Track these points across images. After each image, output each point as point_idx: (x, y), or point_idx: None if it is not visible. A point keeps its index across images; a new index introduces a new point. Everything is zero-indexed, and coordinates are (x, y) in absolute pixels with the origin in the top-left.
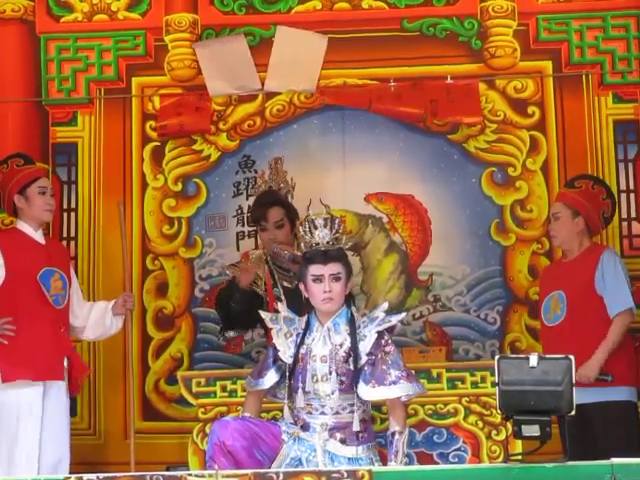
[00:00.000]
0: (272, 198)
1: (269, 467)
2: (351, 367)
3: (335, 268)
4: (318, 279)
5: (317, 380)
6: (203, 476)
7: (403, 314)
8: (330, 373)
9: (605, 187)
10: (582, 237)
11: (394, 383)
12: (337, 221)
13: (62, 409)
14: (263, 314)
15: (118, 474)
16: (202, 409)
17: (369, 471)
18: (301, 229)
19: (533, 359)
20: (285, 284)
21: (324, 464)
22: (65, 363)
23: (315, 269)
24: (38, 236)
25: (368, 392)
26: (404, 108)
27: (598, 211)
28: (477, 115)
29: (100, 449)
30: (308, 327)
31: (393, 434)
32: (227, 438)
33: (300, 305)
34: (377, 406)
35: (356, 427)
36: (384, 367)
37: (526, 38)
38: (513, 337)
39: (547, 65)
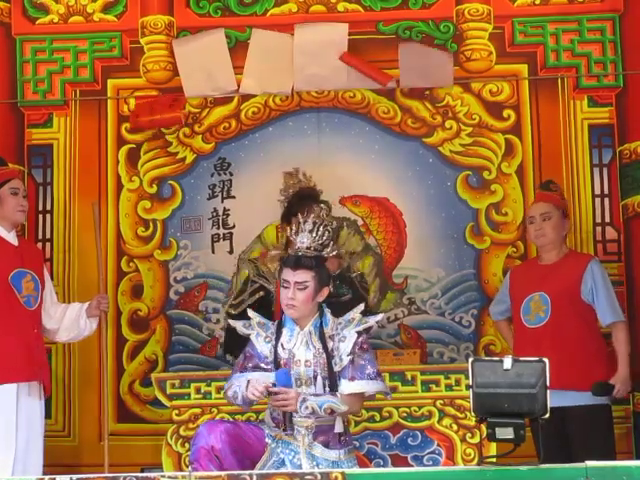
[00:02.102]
0: (315, 193)
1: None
2: (333, 369)
3: (302, 277)
4: (285, 284)
5: (301, 384)
6: (176, 477)
7: (381, 315)
8: (315, 377)
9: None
10: (564, 239)
11: (372, 379)
12: (323, 228)
13: (35, 410)
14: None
15: (91, 475)
16: (176, 411)
17: (342, 473)
18: (289, 229)
19: (507, 362)
20: None
21: (309, 467)
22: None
23: (285, 274)
24: (11, 237)
25: (347, 385)
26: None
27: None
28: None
29: (74, 451)
30: (281, 331)
31: (335, 395)
32: (216, 442)
33: None
34: None
35: (339, 429)
36: (362, 362)
37: (502, 41)
38: (488, 340)
39: (523, 68)
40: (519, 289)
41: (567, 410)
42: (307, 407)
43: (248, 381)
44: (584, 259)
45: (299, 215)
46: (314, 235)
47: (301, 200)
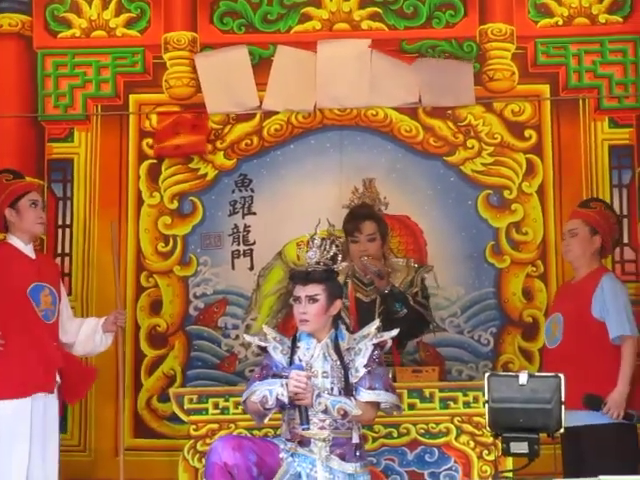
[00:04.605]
0: (367, 211)
1: None
2: (349, 381)
3: (312, 290)
4: (297, 300)
5: (319, 395)
6: None
7: (395, 331)
8: (332, 389)
9: (614, 212)
10: (594, 256)
11: (388, 391)
12: (331, 243)
13: (50, 423)
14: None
15: None
16: (194, 426)
17: None
18: (298, 247)
19: (523, 377)
20: (359, 296)
21: (326, 479)
22: (57, 378)
23: (296, 290)
24: (28, 250)
25: (366, 393)
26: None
27: (612, 233)
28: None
29: (90, 466)
30: (297, 345)
31: (349, 398)
32: (229, 458)
33: (370, 319)
34: (369, 425)
35: (355, 439)
36: (378, 374)
37: (524, 61)
38: (506, 359)
39: (545, 89)
40: (550, 310)
41: (580, 429)
42: (320, 403)
43: (282, 383)
44: (599, 275)
45: (350, 233)
46: (322, 250)
47: (353, 218)
